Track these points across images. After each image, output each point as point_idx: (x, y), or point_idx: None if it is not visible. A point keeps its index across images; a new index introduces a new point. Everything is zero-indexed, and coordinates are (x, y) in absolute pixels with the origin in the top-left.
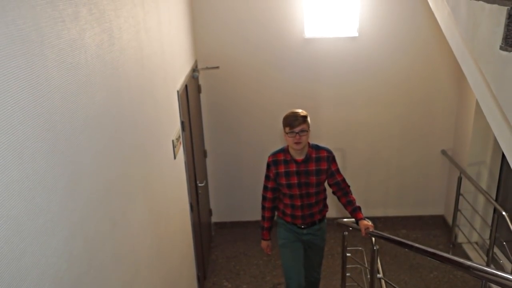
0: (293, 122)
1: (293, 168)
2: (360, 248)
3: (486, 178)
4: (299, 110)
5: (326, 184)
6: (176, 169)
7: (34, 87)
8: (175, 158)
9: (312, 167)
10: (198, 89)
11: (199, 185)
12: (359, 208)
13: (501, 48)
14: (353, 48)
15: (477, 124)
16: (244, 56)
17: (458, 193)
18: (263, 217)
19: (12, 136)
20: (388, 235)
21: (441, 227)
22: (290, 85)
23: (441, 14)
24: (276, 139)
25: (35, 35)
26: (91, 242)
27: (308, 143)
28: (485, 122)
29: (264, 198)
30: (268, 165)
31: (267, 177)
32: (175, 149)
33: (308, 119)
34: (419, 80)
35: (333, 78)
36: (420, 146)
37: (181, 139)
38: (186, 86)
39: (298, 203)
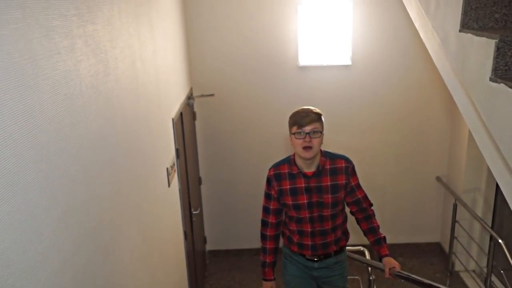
0: (303, 119)
1: (301, 183)
2: (357, 277)
3: (482, 205)
4: (311, 107)
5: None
6: (170, 197)
7: (28, 119)
8: (169, 186)
9: (326, 182)
10: (193, 116)
11: (194, 212)
12: (383, 239)
13: (490, 79)
14: (347, 76)
15: (471, 151)
16: (239, 84)
17: (454, 220)
18: (263, 249)
19: (4, 169)
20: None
21: (437, 255)
22: (284, 112)
23: (431, 45)
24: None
25: (31, 67)
26: (82, 275)
27: (321, 150)
28: (479, 149)
29: (264, 224)
30: (269, 180)
31: (267, 196)
32: (170, 176)
33: (323, 118)
34: (413, 108)
35: (327, 106)
36: (415, 172)
37: (175, 167)
38: (181, 113)
39: (308, 228)
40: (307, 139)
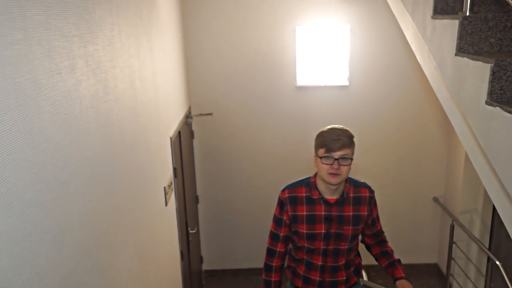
0: (333, 143)
1: (321, 211)
2: None
3: (479, 226)
4: (342, 127)
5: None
6: (167, 216)
7: (28, 138)
8: (166, 205)
9: (349, 211)
10: (191, 135)
11: (190, 232)
12: (398, 261)
13: (486, 103)
14: (344, 96)
15: (467, 172)
16: (237, 103)
17: (451, 241)
18: (267, 282)
19: (3, 188)
20: None
21: (435, 276)
22: (282, 132)
23: (428, 67)
24: (268, 186)
25: (31, 87)
26: None
27: (347, 178)
28: (475, 171)
29: (271, 253)
30: (282, 204)
31: (278, 221)
32: (167, 195)
33: (354, 141)
34: (410, 129)
35: (324, 126)
36: (412, 193)
37: (173, 186)
38: (179, 132)
39: (319, 262)
40: (336, 165)
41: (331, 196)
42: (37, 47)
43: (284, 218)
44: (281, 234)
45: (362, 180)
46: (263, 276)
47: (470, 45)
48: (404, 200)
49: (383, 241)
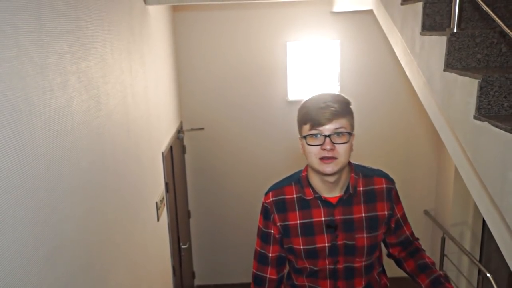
0: (321, 113)
1: (320, 216)
2: None
3: (469, 238)
4: (333, 92)
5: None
6: (159, 231)
7: (20, 155)
8: (158, 220)
9: (360, 213)
10: (183, 150)
11: (182, 247)
12: (445, 277)
13: (474, 117)
14: None
15: (457, 185)
16: (229, 118)
17: (442, 254)
18: None
19: None
20: None
21: None
22: (273, 146)
23: (417, 82)
24: (260, 200)
25: (24, 104)
26: None
27: (350, 164)
28: (465, 184)
29: (257, 281)
30: (266, 212)
31: (264, 237)
32: (159, 211)
33: (352, 109)
34: (400, 142)
35: None
36: (403, 206)
37: (164, 201)
38: (171, 147)
39: (326, 287)
40: (328, 145)
41: (330, 194)
42: (30, 64)
43: (272, 231)
44: (270, 255)
45: (376, 167)
46: None
47: (458, 61)
48: None
49: (418, 250)
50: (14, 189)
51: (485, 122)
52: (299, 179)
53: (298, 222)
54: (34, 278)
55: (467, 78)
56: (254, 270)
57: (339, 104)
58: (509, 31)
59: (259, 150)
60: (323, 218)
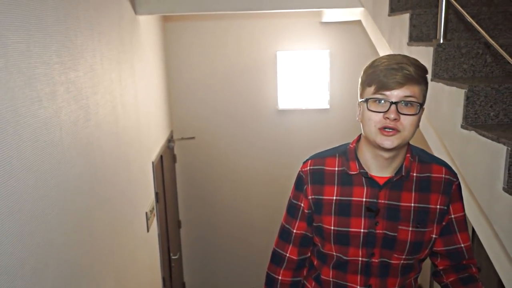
0: (392, 74)
1: (362, 195)
2: None
3: None
4: (408, 56)
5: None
6: (149, 242)
7: (6, 168)
8: (148, 230)
9: (409, 201)
10: (174, 159)
11: (173, 257)
12: None
13: (462, 126)
14: (325, 119)
15: None
16: (219, 127)
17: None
18: None
19: None
20: None
21: None
22: (264, 155)
23: None
24: (251, 209)
25: (11, 115)
26: None
27: (409, 145)
28: None
29: (275, 259)
30: (300, 182)
31: (291, 210)
32: (149, 221)
33: (427, 80)
34: None
35: (305, 148)
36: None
37: (155, 211)
38: (161, 156)
39: (357, 285)
40: (393, 114)
41: (380, 173)
42: (18, 75)
43: (302, 204)
44: (295, 231)
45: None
46: None
47: (444, 71)
48: None
49: (473, 280)
50: (0, 201)
51: (472, 131)
52: (346, 151)
53: (334, 198)
54: None
55: (454, 88)
56: (274, 246)
57: (414, 68)
58: (493, 42)
59: (250, 159)
60: (364, 199)
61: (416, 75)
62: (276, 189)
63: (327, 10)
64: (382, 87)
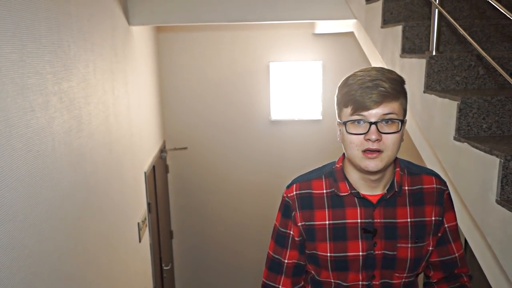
0: (368, 92)
1: (356, 217)
2: None
3: None
4: (383, 68)
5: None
6: (141, 252)
7: None
8: (140, 241)
9: (405, 217)
10: (166, 169)
11: (165, 268)
12: None
13: (454, 138)
14: (317, 130)
15: None
16: (212, 137)
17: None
18: None
19: None
20: None
21: None
22: (256, 165)
23: None
24: (243, 220)
25: (3, 125)
26: None
27: (397, 158)
28: None
29: None
30: (287, 208)
31: (280, 239)
32: (141, 232)
33: (406, 89)
34: None
35: (298, 159)
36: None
37: (147, 221)
38: (153, 166)
39: None
40: (374, 134)
41: (371, 192)
42: (11, 85)
43: (292, 232)
44: (286, 261)
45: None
46: None
47: (437, 83)
48: None
49: (460, 284)
50: None
51: (465, 143)
52: (332, 172)
53: (327, 223)
54: None
55: (446, 100)
56: (264, 279)
57: (390, 84)
58: (486, 55)
59: (242, 169)
60: (359, 220)
61: (392, 90)
62: (268, 200)
63: (320, 21)
64: (359, 107)
